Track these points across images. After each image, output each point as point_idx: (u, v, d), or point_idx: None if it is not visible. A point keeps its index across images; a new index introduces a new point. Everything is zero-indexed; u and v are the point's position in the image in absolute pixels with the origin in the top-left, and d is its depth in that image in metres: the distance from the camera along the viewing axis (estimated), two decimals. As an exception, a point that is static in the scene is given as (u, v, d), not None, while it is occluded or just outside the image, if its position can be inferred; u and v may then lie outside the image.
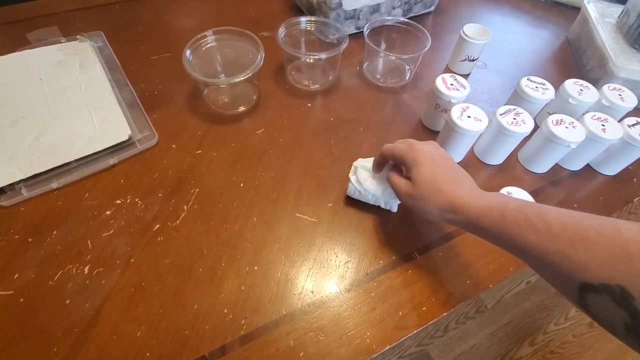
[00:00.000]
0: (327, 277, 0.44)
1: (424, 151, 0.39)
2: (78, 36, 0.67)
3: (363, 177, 0.47)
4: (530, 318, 1.26)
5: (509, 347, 1.19)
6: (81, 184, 0.50)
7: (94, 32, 0.69)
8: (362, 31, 0.63)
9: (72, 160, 0.50)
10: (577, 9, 0.82)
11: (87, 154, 0.51)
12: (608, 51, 0.65)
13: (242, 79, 0.53)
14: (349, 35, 0.62)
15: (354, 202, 0.50)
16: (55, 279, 0.42)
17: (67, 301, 0.40)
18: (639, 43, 0.65)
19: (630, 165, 0.57)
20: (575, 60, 0.76)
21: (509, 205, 0.33)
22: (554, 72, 0.74)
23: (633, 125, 0.52)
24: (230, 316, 0.40)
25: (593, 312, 0.27)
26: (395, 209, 0.49)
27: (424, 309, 0.42)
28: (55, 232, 0.45)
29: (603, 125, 0.52)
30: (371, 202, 0.49)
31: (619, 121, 0.53)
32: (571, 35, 0.81)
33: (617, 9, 0.73)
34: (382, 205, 0.48)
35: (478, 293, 0.44)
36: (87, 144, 0.52)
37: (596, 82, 0.66)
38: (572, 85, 0.56)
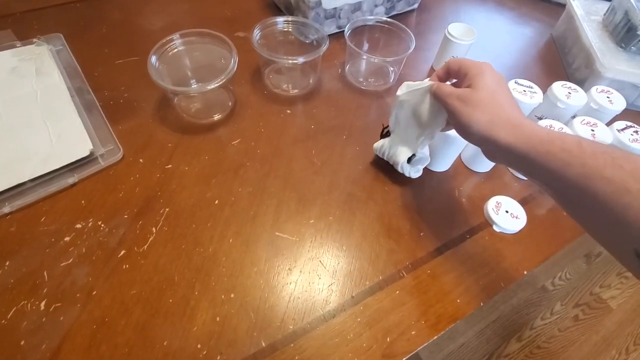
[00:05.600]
0: (309, 302, 0.41)
1: (492, 68, 0.39)
2: (34, 39, 0.61)
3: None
4: (517, 314, 1.27)
5: (497, 344, 1.19)
6: (37, 206, 0.45)
7: (52, 34, 0.63)
8: (344, 31, 0.60)
9: (26, 180, 0.45)
10: (562, 6, 0.80)
11: (43, 173, 0.46)
12: (595, 50, 0.63)
13: (214, 86, 0.49)
14: (330, 35, 0.59)
15: (337, 218, 0.47)
16: (8, 317, 0.38)
17: (22, 342, 0.36)
18: (625, 42, 0.63)
19: (618, 169, 0.56)
20: (561, 59, 0.75)
21: (586, 140, 0.31)
22: (540, 73, 0.72)
23: (622, 129, 0.51)
24: (205, 352, 0.37)
25: None
26: (414, 175, 0.51)
27: (413, 333, 0.40)
28: (7, 263, 0.41)
29: (592, 130, 0.50)
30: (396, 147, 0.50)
31: (608, 124, 0.52)
32: (556, 32, 0.79)
33: (603, 6, 0.72)
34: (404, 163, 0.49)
35: (469, 312, 0.42)
36: (44, 162, 0.47)
37: (582, 83, 0.65)
38: (560, 88, 0.54)
